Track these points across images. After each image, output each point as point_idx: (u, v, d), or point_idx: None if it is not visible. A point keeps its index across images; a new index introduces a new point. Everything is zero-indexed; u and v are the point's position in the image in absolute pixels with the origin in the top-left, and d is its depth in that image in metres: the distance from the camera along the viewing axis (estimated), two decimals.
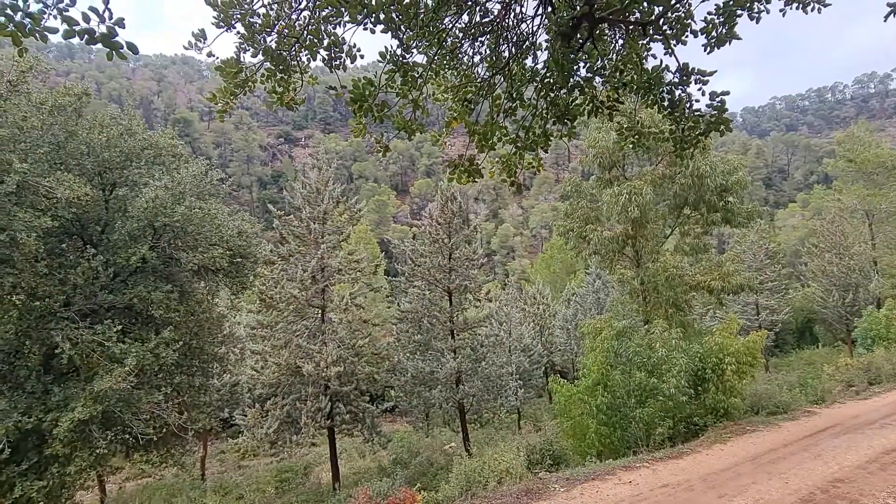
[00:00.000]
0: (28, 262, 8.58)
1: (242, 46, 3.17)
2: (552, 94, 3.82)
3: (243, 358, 19.19)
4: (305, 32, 3.19)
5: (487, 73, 4.03)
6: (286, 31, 3.17)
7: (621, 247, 19.42)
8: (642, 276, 18.63)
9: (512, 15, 3.75)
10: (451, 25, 3.63)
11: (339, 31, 3.30)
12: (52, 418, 8.53)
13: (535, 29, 3.74)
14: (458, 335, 21.19)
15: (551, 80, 3.75)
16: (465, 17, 3.69)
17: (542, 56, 3.99)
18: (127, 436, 9.48)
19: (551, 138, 4.12)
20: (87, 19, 2.23)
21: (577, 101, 3.82)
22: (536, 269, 61.33)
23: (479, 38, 3.84)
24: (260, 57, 3.20)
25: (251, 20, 3.03)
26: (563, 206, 22.12)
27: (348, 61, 3.48)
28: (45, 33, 2.26)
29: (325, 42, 3.29)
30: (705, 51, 3.55)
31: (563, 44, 3.19)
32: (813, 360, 33.58)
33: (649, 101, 3.67)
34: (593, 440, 13.41)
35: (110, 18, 2.26)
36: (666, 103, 3.66)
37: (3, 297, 8.80)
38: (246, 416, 19.75)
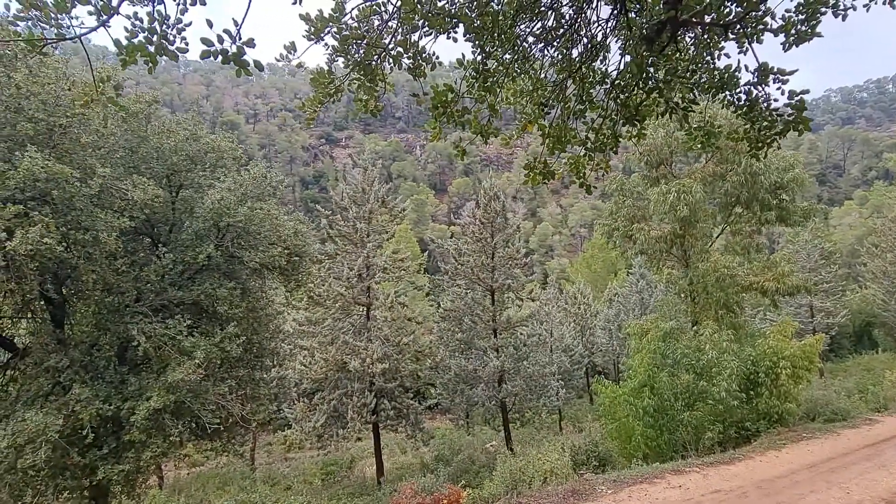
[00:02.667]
0: (107, 260, 9.25)
1: (332, 57, 3.39)
2: (623, 96, 3.88)
3: (292, 353, 19.84)
4: (392, 43, 3.38)
5: (559, 77, 4.12)
6: (374, 42, 3.35)
7: (669, 246, 19.00)
8: (691, 276, 18.19)
9: (583, 16, 3.82)
10: (526, 32, 3.75)
11: (422, 40, 3.48)
12: (129, 406, 9.16)
13: (606, 32, 3.81)
14: (500, 334, 21.22)
15: (622, 83, 3.82)
16: (539, 24, 3.80)
17: (612, 58, 4.06)
18: (194, 425, 10.08)
19: (620, 139, 4.18)
20: (220, 40, 2.46)
21: (647, 102, 3.87)
22: (577, 269, 60.50)
23: (552, 43, 3.93)
24: (349, 67, 3.40)
25: (344, 33, 3.22)
26: (607, 205, 21.80)
27: (428, 68, 3.66)
28: (177, 53, 2.52)
29: (411, 52, 3.48)
30: (784, 48, 3.54)
31: (647, 48, 3.25)
32: (872, 365, 31.94)
33: (724, 101, 3.68)
34: (639, 443, 13.21)
35: (240, 39, 2.48)
36: (742, 103, 3.67)
37: (85, 291, 9.51)
38: (293, 409, 20.39)
